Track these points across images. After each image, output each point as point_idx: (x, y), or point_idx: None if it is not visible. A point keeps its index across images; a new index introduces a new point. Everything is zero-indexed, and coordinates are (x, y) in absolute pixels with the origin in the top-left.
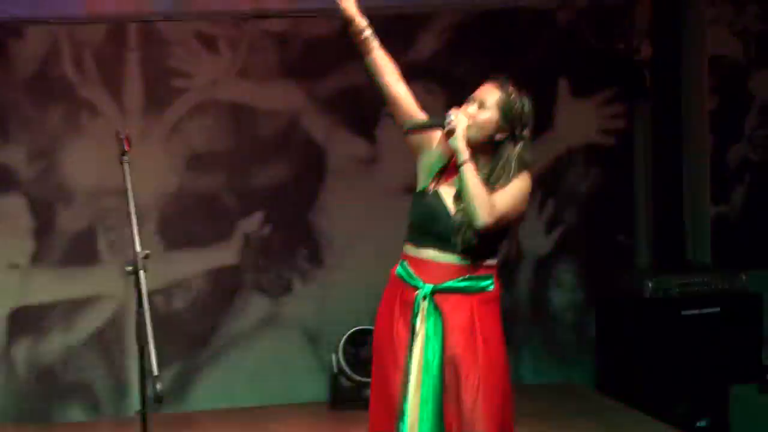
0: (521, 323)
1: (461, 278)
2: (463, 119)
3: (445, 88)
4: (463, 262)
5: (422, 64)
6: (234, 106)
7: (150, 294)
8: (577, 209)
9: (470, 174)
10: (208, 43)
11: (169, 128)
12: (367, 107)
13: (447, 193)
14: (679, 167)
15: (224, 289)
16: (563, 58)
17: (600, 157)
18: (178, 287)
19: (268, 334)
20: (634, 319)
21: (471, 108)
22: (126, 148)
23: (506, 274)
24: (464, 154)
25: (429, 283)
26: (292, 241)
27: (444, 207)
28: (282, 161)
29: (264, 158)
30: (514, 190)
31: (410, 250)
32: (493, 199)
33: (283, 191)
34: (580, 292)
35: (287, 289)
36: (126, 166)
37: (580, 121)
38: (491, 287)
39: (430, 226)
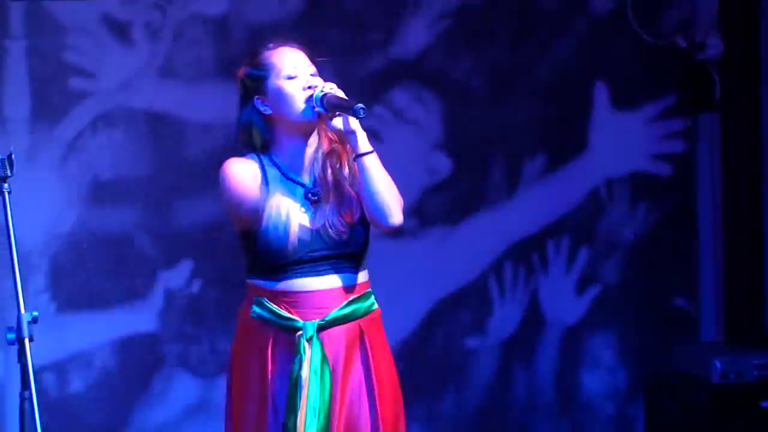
0: (543, 415)
1: (345, 303)
2: (343, 95)
3: (438, 94)
4: (343, 283)
5: (408, 62)
6: (153, 116)
7: (38, 372)
8: (618, 262)
9: (379, 167)
10: (119, 30)
11: (64, 146)
12: None
13: (291, 210)
14: (759, 206)
15: (138, 366)
16: (601, 55)
17: (651, 191)
18: (77, 362)
19: (197, 427)
20: (697, 410)
21: (315, 81)
22: (6, 172)
23: (521, 348)
24: (366, 139)
25: (309, 319)
26: (230, 301)
27: (296, 226)
28: (218, 192)
29: (193, 188)
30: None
31: (267, 284)
32: (393, 184)
33: (219, 233)
34: (622, 373)
35: (223, 366)
36: (5, 197)
37: (624, 141)
38: (375, 305)
39: (289, 253)
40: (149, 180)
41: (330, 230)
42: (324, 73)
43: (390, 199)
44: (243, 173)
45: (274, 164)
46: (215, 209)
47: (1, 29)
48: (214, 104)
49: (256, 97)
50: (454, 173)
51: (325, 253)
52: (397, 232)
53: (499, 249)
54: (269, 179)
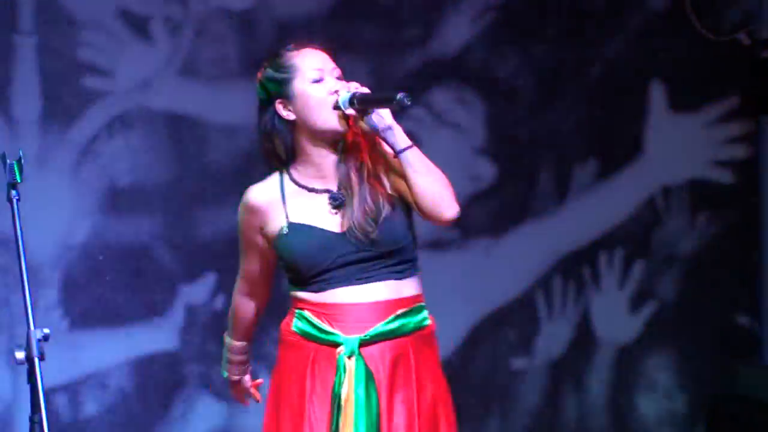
0: None
1: (392, 317)
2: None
3: (482, 95)
4: (388, 294)
5: (449, 60)
6: (173, 118)
7: (49, 393)
8: (676, 277)
9: (424, 159)
10: (137, 25)
11: (77, 150)
12: None
13: (314, 216)
14: None
15: (157, 388)
16: (658, 53)
17: (711, 200)
18: (91, 384)
19: None
20: None
21: (342, 84)
22: (15, 178)
23: (571, 369)
24: (403, 134)
25: (350, 334)
26: (260, 317)
27: (320, 230)
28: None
29: (216, 194)
30: None
31: (308, 296)
32: (442, 174)
33: None
34: (681, 398)
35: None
36: (15, 205)
37: (682, 145)
38: (427, 320)
39: (318, 263)
40: (169, 186)
41: (355, 230)
42: (358, 73)
43: (440, 191)
44: (254, 211)
45: (293, 180)
46: None
47: (10, 24)
48: (238, 105)
49: (278, 101)
50: (499, 180)
51: (357, 257)
52: (436, 246)
53: (547, 262)
54: (286, 197)
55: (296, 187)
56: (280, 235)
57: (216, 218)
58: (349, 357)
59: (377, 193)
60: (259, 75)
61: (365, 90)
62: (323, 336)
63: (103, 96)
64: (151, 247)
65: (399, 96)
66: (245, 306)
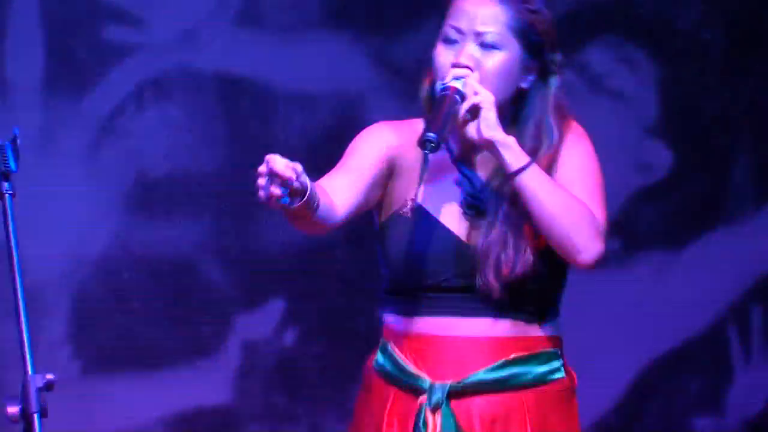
0: None
1: (501, 362)
2: (482, 90)
3: (655, 54)
4: (502, 330)
5: (611, 6)
6: (229, 83)
7: None
8: None
9: (546, 185)
10: None
11: (95, 127)
12: None
13: (445, 209)
14: None
15: None
16: None
17: None
18: None
19: None
20: None
21: (468, 56)
22: (8, 167)
23: None
24: (515, 149)
25: (441, 379)
26: (341, 358)
27: (447, 232)
28: None
29: None
30: (591, 169)
31: (396, 319)
32: (586, 205)
33: (325, 256)
34: None
35: None
36: (8, 203)
37: None
38: (559, 373)
39: (426, 272)
40: (221, 178)
41: (479, 280)
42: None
43: (572, 227)
44: (389, 134)
45: (446, 145)
46: None
47: None
48: (318, 65)
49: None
50: (677, 171)
51: (475, 283)
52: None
53: (744, 285)
54: (431, 158)
55: (443, 152)
56: (395, 214)
57: (286, 223)
58: (434, 410)
59: (523, 234)
60: None
61: (479, 95)
62: (405, 378)
63: (131, 52)
64: (195, 263)
65: (426, 135)
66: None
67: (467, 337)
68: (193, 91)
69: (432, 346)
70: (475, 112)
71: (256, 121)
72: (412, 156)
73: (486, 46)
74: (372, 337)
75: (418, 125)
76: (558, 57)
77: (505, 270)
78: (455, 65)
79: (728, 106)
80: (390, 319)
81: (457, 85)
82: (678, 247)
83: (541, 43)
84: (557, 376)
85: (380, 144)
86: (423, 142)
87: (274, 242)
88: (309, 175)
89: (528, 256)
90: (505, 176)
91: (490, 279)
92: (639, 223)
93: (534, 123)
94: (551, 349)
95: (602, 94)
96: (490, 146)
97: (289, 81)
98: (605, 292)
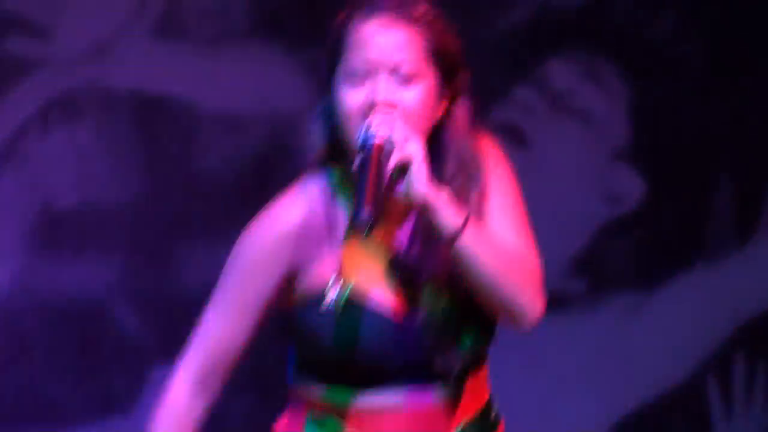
0: None
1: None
2: (411, 137)
3: (626, 69)
4: (436, 398)
5: (575, 15)
6: (145, 102)
7: None
8: None
9: (484, 245)
10: None
11: None
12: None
13: (373, 284)
14: None
15: None
16: None
17: None
18: None
19: None
20: None
21: (386, 93)
22: None
23: None
24: (450, 207)
25: None
26: (270, 414)
27: (379, 317)
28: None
29: (210, 223)
30: (514, 199)
31: (328, 396)
32: (526, 256)
33: None
34: None
35: None
36: None
37: None
38: (499, 424)
39: (364, 358)
40: (137, 209)
41: (435, 359)
42: None
43: (514, 289)
44: (285, 242)
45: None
46: None
47: None
48: (245, 82)
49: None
50: (650, 202)
51: (411, 359)
52: (553, 304)
53: (725, 331)
54: (338, 223)
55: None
56: (310, 301)
57: (208, 259)
58: None
59: (456, 299)
60: (332, 24)
61: (408, 149)
62: None
63: (37, 68)
64: (107, 306)
65: (359, 214)
66: (188, 408)
67: (409, 413)
68: (106, 111)
69: (375, 423)
70: (404, 166)
71: (176, 145)
72: (316, 233)
73: (404, 79)
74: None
75: (316, 187)
76: (467, 77)
77: (457, 355)
78: (373, 107)
79: (708, 127)
80: (318, 393)
81: (383, 135)
82: (650, 287)
83: (456, 65)
84: (499, 419)
85: (263, 274)
86: (358, 226)
87: (195, 283)
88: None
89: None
90: (439, 238)
91: (445, 365)
92: (606, 260)
93: (454, 159)
94: (487, 401)
95: (566, 115)
96: (420, 206)
97: (213, 100)
98: (567, 339)
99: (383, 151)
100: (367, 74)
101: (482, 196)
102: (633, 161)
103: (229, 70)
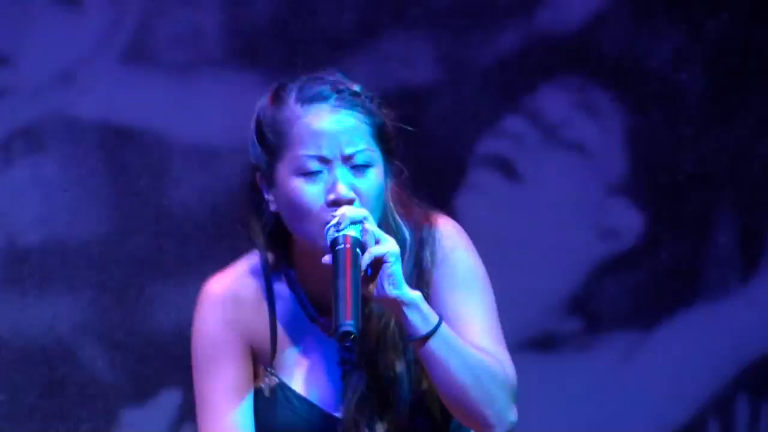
0: None
1: None
2: (383, 236)
3: (621, 97)
4: None
5: (567, 41)
6: (113, 133)
7: None
8: None
9: (455, 349)
10: None
11: None
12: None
13: (309, 374)
14: None
15: None
16: None
17: None
18: None
19: None
20: None
21: (346, 186)
22: None
23: None
24: (423, 308)
25: None
26: None
27: (310, 406)
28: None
29: (183, 259)
30: (479, 291)
31: None
32: (499, 364)
33: None
34: None
35: None
36: None
37: None
38: None
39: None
40: (104, 247)
41: None
42: (420, 62)
43: (484, 398)
44: (232, 308)
45: (294, 291)
46: None
47: None
48: (222, 113)
49: (258, 174)
50: (648, 237)
51: None
52: (544, 345)
53: (727, 373)
54: (276, 306)
55: (294, 304)
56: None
57: (181, 298)
58: None
59: (402, 389)
60: (260, 103)
61: (381, 245)
62: None
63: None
64: (73, 347)
65: (341, 325)
66: None
67: None
68: (71, 142)
69: None
70: (377, 266)
71: (146, 178)
72: (257, 316)
73: (359, 169)
74: None
75: (252, 267)
76: (400, 145)
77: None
78: (337, 203)
79: (708, 160)
80: None
81: (354, 233)
82: (649, 327)
83: (394, 139)
84: None
85: (229, 331)
86: (341, 337)
87: (168, 323)
88: (210, 245)
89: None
90: (408, 339)
91: None
92: (602, 299)
93: (408, 241)
94: None
95: (558, 147)
96: (393, 306)
97: (186, 130)
98: (562, 381)
99: (357, 247)
100: (321, 169)
101: (429, 281)
102: (630, 195)
103: (203, 98)
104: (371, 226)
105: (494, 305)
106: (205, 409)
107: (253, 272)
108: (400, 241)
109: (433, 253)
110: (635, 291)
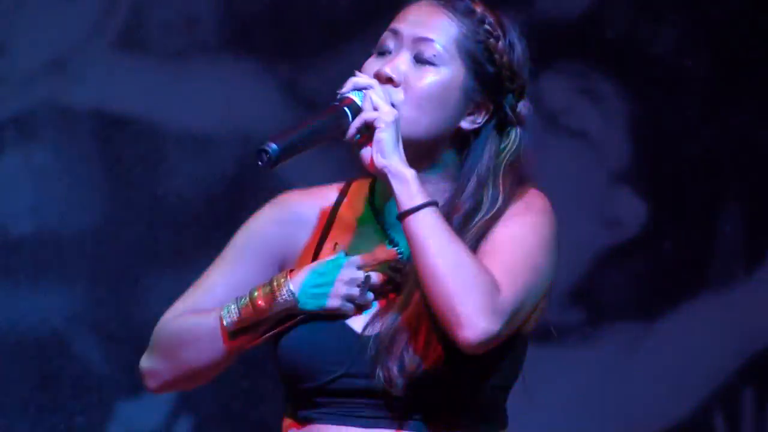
0: None
1: None
2: (386, 107)
3: (625, 86)
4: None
5: (571, 27)
6: (106, 121)
7: None
8: None
9: (440, 235)
10: None
11: None
12: None
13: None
14: None
15: None
16: None
17: None
18: None
19: None
20: None
21: (394, 67)
22: None
23: None
24: (412, 185)
25: None
26: None
27: (345, 329)
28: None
29: (178, 251)
30: (526, 244)
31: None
32: (488, 272)
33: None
34: None
35: None
36: None
37: None
38: None
39: (315, 373)
40: (98, 237)
41: (378, 377)
42: None
43: (458, 291)
44: (293, 220)
45: (371, 200)
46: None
47: None
48: (217, 101)
49: None
50: (652, 227)
51: (370, 385)
52: (547, 337)
53: (733, 364)
54: (334, 225)
55: (368, 212)
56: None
57: (176, 288)
58: None
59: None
60: None
61: (377, 111)
62: None
63: None
64: (67, 339)
65: (264, 146)
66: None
67: None
68: (64, 131)
69: None
70: (369, 132)
71: (140, 167)
72: (308, 236)
73: (421, 61)
74: (279, 426)
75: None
76: (522, 106)
77: (410, 365)
78: (377, 77)
79: (713, 147)
80: (287, 424)
81: (355, 97)
82: (652, 318)
83: (497, 77)
84: None
85: (270, 235)
86: (256, 154)
87: (162, 313)
88: (205, 234)
89: (440, 349)
90: (397, 217)
91: (392, 375)
92: (606, 289)
93: (477, 181)
94: None
95: (560, 134)
96: (383, 177)
97: (180, 118)
98: (565, 372)
99: (349, 107)
100: (392, 48)
101: (490, 229)
102: (633, 184)
103: (197, 86)
104: (376, 95)
105: (537, 273)
106: (196, 284)
107: (330, 192)
108: (486, 198)
109: (506, 208)
110: (639, 281)
